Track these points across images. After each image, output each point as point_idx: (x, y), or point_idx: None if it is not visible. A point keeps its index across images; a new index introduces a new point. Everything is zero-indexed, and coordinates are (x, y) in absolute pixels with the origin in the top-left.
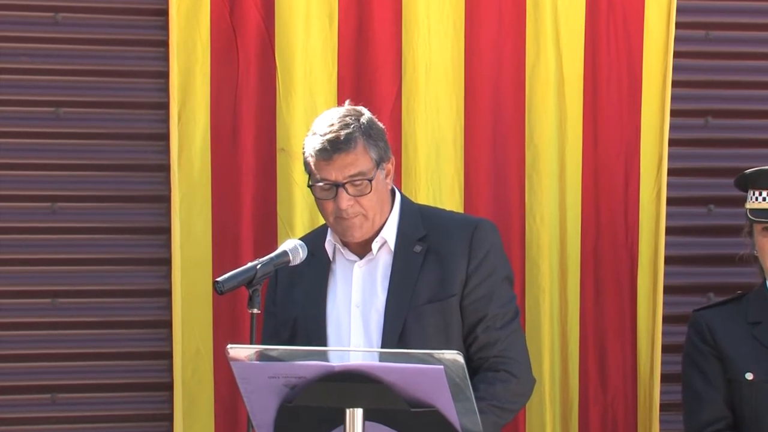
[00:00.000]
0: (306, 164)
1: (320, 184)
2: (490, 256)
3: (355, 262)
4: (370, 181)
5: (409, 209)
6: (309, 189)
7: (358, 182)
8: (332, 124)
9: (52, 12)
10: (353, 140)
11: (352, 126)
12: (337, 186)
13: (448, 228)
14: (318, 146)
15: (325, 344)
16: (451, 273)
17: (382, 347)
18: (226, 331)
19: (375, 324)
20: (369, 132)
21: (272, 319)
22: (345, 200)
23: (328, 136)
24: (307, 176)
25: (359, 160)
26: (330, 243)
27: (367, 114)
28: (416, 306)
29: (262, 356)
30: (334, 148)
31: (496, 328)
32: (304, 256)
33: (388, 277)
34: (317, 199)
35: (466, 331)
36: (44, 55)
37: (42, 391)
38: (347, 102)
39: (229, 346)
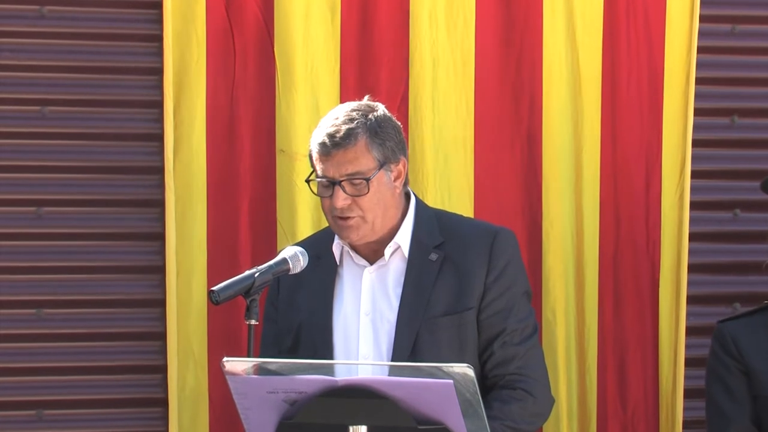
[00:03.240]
0: (309, 158)
1: (319, 180)
2: (509, 267)
3: (365, 267)
4: (368, 181)
5: (425, 214)
6: (307, 184)
7: (355, 181)
8: (337, 118)
9: (38, 5)
10: (353, 136)
11: (356, 122)
12: (334, 183)
13: (466, 236)
14: (319, 140)
15: (331, 354)
16: (469, 284)
17: (392, 360)
18: (223, 343)
19: (385, 335)
20: (375, 130)
21: (273, 326)
22: (340, 199)
23: (329, 130)
24: (311, 171)
25: (359, 158)
26: (338, 245)
27: (380, 111)
28: (431, 318)
29: (261, 370)
30: (332, 143)
31: (514, 344)
32: (305, 264)
33: (401, 286)
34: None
35: (482, 347)
36: (29, 50)
37: (27, 407)
38: (366, 97)
39: (225, 359)
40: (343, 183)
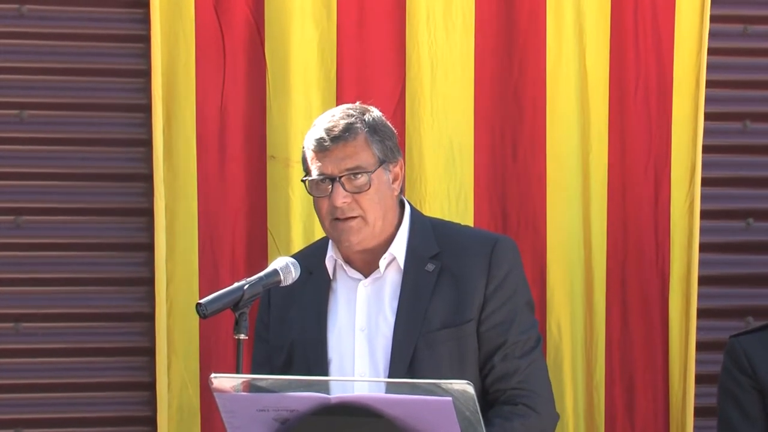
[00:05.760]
0: (303, 159)
1: (314, 178)
2: (510, 277)
3: (360, 280)
4: (370, 175)
5: (421, 223)
6: (303, 184)
7: (356, 176)
8: (333, 116)
9: (17, 4)
10: (353, 130)
11: (354, 117)
12: (333, 180)
13: (464, 245)
14: (316, 136)
15: (326, 372)
16: (468, 295)
17: (389, 376)
18: (215, 359)
19: (381, 350)
20: (374, 126)
21: (264, 345)
22: (340, 196)
23: (327, 125)
24: (304, 174)
25: (359, 153)
26: (331, 259)
27: (375, 112)
28: (428, 332)
29: (250, 387)
30: (331, 137)
31: (516, 357)
32: (297, 276)
33: (397, 299)
34: (314, 199)
35: (482, 360)
36: (7, 51)
37: (5, 426)
38: (358, 102)
39: (213, 375)
40: (342, 179)
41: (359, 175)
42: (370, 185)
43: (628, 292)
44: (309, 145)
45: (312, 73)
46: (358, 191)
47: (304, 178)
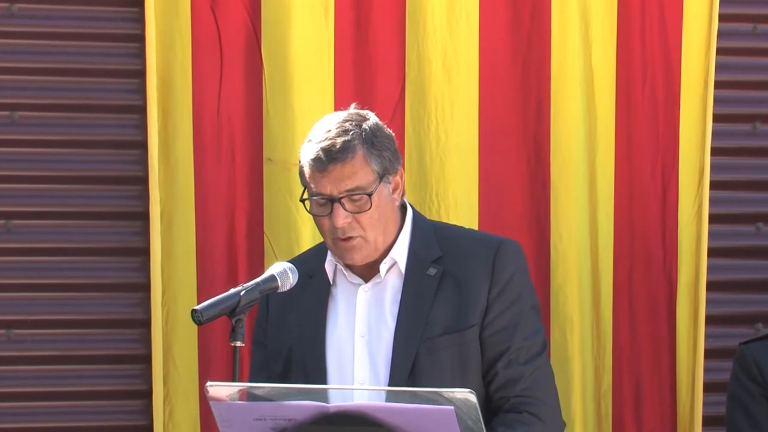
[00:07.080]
0: (301, 175)
1: (315, 198)
2: (514, 280)
3: (360, 285)
4: (370, 196)
5: (423, 227)
6: (302, 204)
7: (356, 197)
8: (329, 131)
9: (8, 2)
10: (351, 149)
11: (351, 133)
12: (332, 201)
13: (466, 248)
14: (312, 155)
15: (324, 379)
16: (470, 299)
17: (390, 383)
18: (214, 366)
19: (382, 357)
20: (371, 140)
21: (262, 351)
22: (341, 217)
23: (324, 144)
24: (302, 189)
25: (358, 172)
26: (330, 263)
27: (372, 119)
28: (430, 337)
29: (247, 395)
30: (329, 157)
31: (520, 363)
32: (295, 281)
33: (398, 304)
34: (314, 216)
35: (485, 367)
36: None
37: None
38: (352, 106)
39: (208, 383)
40: (342, 200)
41: (359, 196)
42: (371, 204)
43: (635, 297)
44: (306, 163)
45: (309, 74)
46: (359, 211)
47: (303, 199)
